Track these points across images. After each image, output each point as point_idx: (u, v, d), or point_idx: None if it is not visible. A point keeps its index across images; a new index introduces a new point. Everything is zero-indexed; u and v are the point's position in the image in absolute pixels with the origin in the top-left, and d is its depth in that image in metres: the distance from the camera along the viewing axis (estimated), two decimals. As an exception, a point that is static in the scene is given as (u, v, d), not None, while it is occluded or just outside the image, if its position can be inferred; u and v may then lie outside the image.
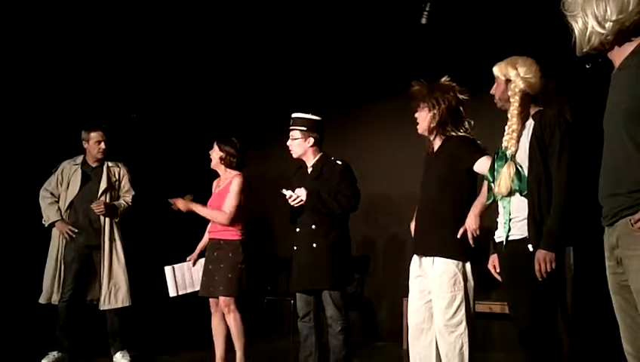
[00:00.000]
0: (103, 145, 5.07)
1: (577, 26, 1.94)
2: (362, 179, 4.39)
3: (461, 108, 3.31)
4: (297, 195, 4.02)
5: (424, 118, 3.33)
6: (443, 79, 3.35)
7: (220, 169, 4.60)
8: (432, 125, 3.31)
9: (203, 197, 4.62)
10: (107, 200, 5.02)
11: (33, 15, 5.22)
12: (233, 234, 4.46)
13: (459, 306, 3.14)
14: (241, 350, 4.43)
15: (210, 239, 4.57)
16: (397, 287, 5.71)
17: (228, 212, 4.42)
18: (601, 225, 2.01)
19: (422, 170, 3.49)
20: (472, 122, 3.35)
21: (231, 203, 4.43)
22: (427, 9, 5.03)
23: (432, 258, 3.24)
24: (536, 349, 2.78)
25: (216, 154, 4.57)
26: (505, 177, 2.85)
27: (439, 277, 3.19)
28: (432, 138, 3.38)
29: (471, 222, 3.11)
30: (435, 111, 3.28)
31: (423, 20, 5.08)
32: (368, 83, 6.30)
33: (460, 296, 3.15)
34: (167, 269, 4.71)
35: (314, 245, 4.00)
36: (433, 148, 3.39)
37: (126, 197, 5.15)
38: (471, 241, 3.12)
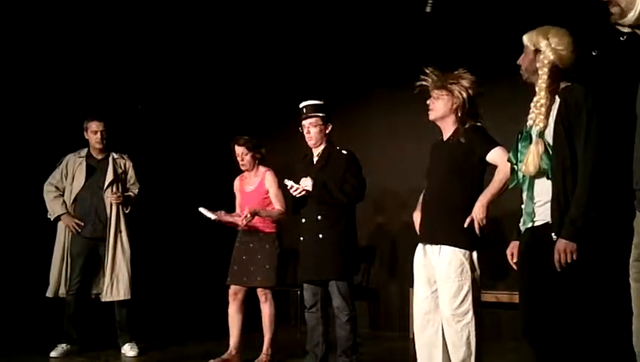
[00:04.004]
0: (99, 135, 5.02)
1: None
2: (369, 169, 4.38)
3: (475, 101, 3.29)
4: (299, 186, 4.02)
5: (443, 104, 3.28)
6: (461, 70, 3.31)
7: (254, 168, 4.64)
8: (450, 113, 3.28)
9: (206, 196, 4.58)
10: (115, 191, 5.01)
11: (38, 8, 5.22)
12: (271, 226, 4.56)
13: (466, 295, 3.14)
14: (270, 336, 4.54)
15: (245, 229, 4.54)
16: (403, 277, 5.71)
17: (284, 206, 4.53)
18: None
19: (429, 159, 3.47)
20: (481, 111, 3.33)
21: (280, 197, 4.55)
22: (432, -3, 5.01)
23: (438, 246, 3.23)
24: (541, 348, 2.62)
25: (249, 155, 4.57)
26: (533, 155, 2.60)
27: (446, 266, 3.18)
28: (444, 126, 3.35)
29: (478, 212, 3.09)
30: (455, 100, 3.25)
31: (428, 9, 5.06)
32: (374, 72, 6.27)
33: (467, 285, 3.15)
34: (202, 209, 4.53)
35: (320, 236, 4.01)
36: (443, 137, 3.37)
37: (133, 189, 5.14)
38: (477, 231, 3.11)
